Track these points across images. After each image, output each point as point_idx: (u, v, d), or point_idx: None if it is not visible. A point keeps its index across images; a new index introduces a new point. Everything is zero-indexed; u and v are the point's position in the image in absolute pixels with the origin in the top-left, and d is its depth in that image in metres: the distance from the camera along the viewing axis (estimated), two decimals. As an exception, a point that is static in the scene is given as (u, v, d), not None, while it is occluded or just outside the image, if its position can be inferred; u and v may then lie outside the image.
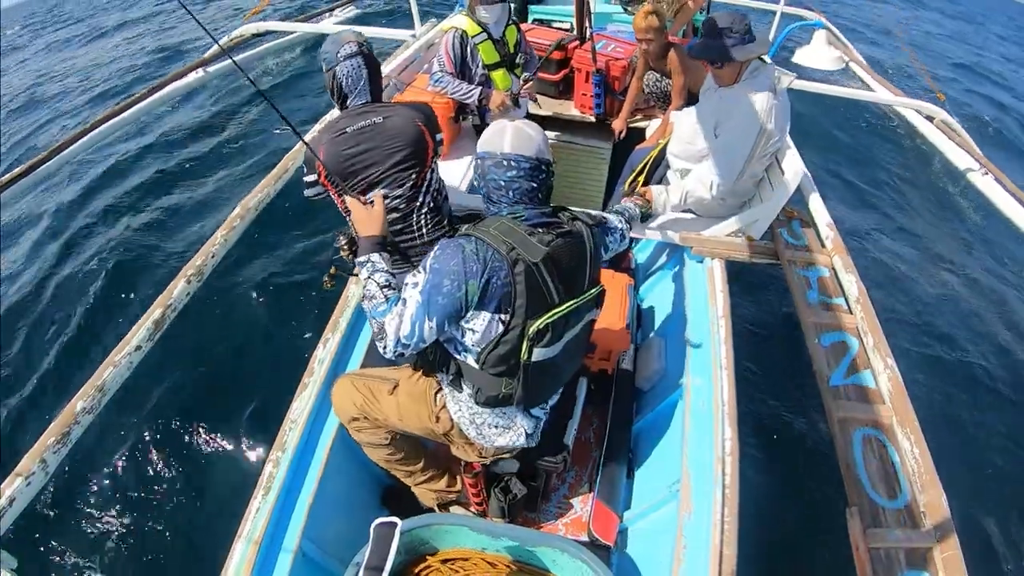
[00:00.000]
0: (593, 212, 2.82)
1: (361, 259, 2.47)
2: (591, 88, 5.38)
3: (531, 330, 2.18)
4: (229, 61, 8.20)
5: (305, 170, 3.22)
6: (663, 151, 4.37)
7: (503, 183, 2.31)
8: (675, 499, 2.78)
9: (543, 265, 2.15)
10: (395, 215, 3.15)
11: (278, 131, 8.75)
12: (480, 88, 4.61)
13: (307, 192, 3.28)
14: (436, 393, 2.64)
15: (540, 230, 2.23)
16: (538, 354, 2.26)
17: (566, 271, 2.27)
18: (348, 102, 3.17)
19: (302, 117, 9.10)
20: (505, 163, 2.29)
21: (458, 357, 2.40)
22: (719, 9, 8.42)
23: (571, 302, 2.27)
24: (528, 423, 2.60)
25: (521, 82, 4.85)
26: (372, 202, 2.63)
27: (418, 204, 3.18)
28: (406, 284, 2.23)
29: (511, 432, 2.58)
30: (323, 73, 3.17)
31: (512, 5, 5.07)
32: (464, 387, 2.47)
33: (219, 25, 13.42)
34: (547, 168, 2.37)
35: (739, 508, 2.57)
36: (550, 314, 2.20)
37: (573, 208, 2.52)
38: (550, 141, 5.34)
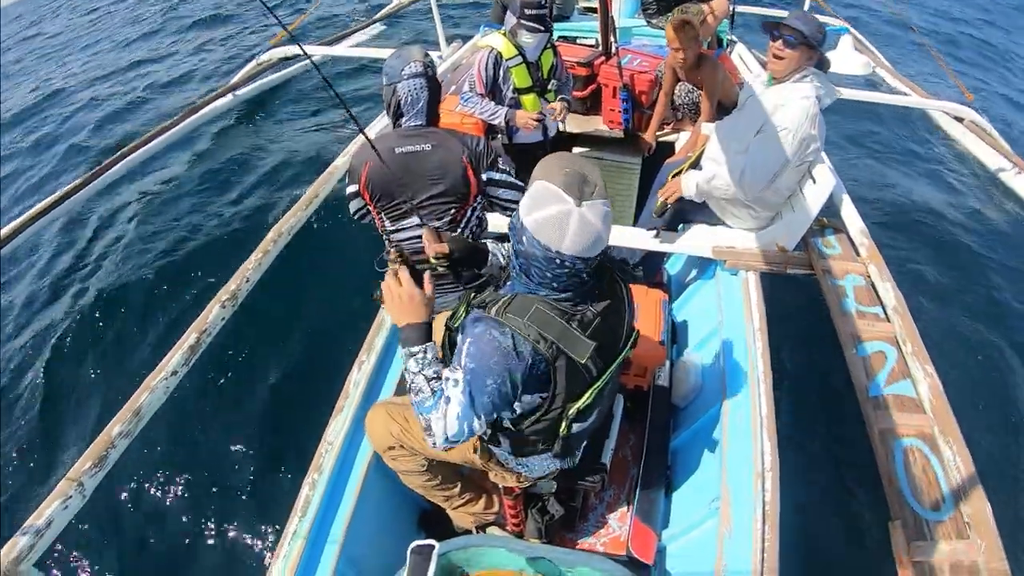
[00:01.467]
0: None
1: (411, 350, 2.15)
2: (619, 103, 5.38)
3: (571, 411, 2.10)
4: (257, 84, 8.34)
5: (347, 180, 3.22)
6: (695, 163, 4.34)
7: (549, 275, 1.94)
8: (715, 516, 2.75)
9: (589, 360, 1.99)
10: None
11: (313, 154, 8.80)
12: (507, 109, 4.60)
13: (351, 207, 3.29)
14: None
15: (579, 308, 2.01)
16: (577, 427, 2.21)
17: (608, 345, 2.12)
18: (402, 121, 3.16)
19: (327, 138, 9.18)
20: (559, 262, 1.88)
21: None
22: (742, 19, 8.41)
23: (610, 369, 2.17)
24: (568, 458, 2.55)
25: (554, 106, 4.82)
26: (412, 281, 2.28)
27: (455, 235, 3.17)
28: (446, 379, 2.05)
29: (548, 464, 2.54)
30: (383, 87, 3.14)
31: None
32: (501, 442, 2.41)
33: (240, 52, 13.55)
34: (603, 254, 1.98)
35: (780, 524, 2.54)
36: (590, 393, 2.10)
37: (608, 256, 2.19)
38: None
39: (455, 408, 2.00)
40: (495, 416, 2.09)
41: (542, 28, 4.46)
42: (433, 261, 2.50)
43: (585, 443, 2.64)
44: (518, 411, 2.14)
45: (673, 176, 4.29)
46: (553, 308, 1.97)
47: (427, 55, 3.16)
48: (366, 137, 2.69)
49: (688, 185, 3.97)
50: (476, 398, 1.97)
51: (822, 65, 3.73)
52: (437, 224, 3.12)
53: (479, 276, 2.84)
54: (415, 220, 3.15)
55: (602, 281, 2.13)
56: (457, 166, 3.08)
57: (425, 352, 2.15)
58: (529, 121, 4.57)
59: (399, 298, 2.21)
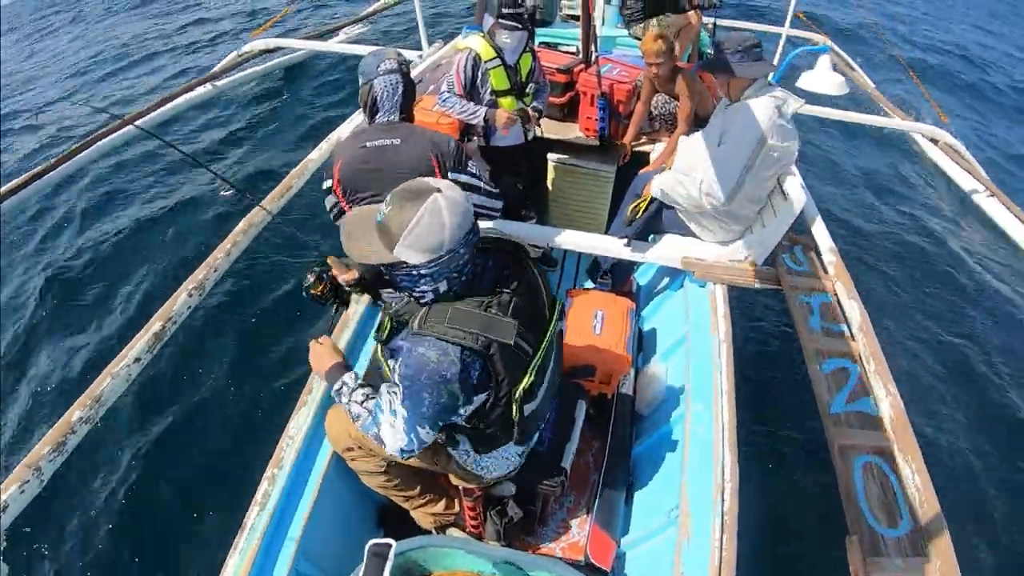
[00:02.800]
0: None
1: (335, 387, 2.34)
2: (596, 111, 5.38)
3: (517, 394, 2.13)
4: (236, 76, 8.31)
5: (324, 175, 3.25)
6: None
7: (456, 274, 2.00)
8: (674, 525, 2.77)
9: (518, 337, 2.04)
10: None
11: (285, 148, 8.78)
12: (485, 109, 4.60)
13: (327, 204, 3.31)
14: None
15: (495, 295, 2.07)
16: (528, 408, 2.24)
17: (531, 320, 2.17)
18: (376, 117, 3.21)
19: (303, 132, 9.15)
20: (453, 255, 1.92)
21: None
22: (725, 32, 8.48)
23: (543, 344, 2.22)
24: (521, 448, 2.58)
25: (531, 112, 4.83)
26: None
27: None
28: (391, 392, 2.12)
29: (508, 461, 2.56)
30: (360, 85, 3.21)
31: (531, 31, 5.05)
32: (459, 441, 2.44)
33: (228, 40, 13.49)
34: (474, 225, 1.99)
35: (738, 535, 2.55)
36: (530, 369, 2.15)
37: (487, 228, 2.36)
38: (553, 163, 5.38)
39: (400, 422, 2.08)
40: (440, 425, 2.13)
41: (519, 26, 4.45)
42: (347, 288, 2.68)
43: (544, 434, 2.65)
44: (466, 413, 2.16)
45: (641, 203, 4.34)
46: (467, 304, 2.02)
47: (400, 54, 3.22)
48: (264, 209, 2.77)
49: (655, 186, 4.02)
50: (416, 411, 2.03)
51: (761, 63, 3.79)
52: None
53: None
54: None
55: (504, 262, 2.19)
56: (423, 162, 3.10)
57: (345, 383, 2.34)
58: (508, 119, 4.57)
59: (317, 353, 2.48)
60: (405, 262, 1.93)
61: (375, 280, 2.70)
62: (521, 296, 2.12)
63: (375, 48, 3.26)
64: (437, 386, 1.96)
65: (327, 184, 3.21)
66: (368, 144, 3.10)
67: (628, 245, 4.18)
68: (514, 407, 2.17)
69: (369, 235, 1.98)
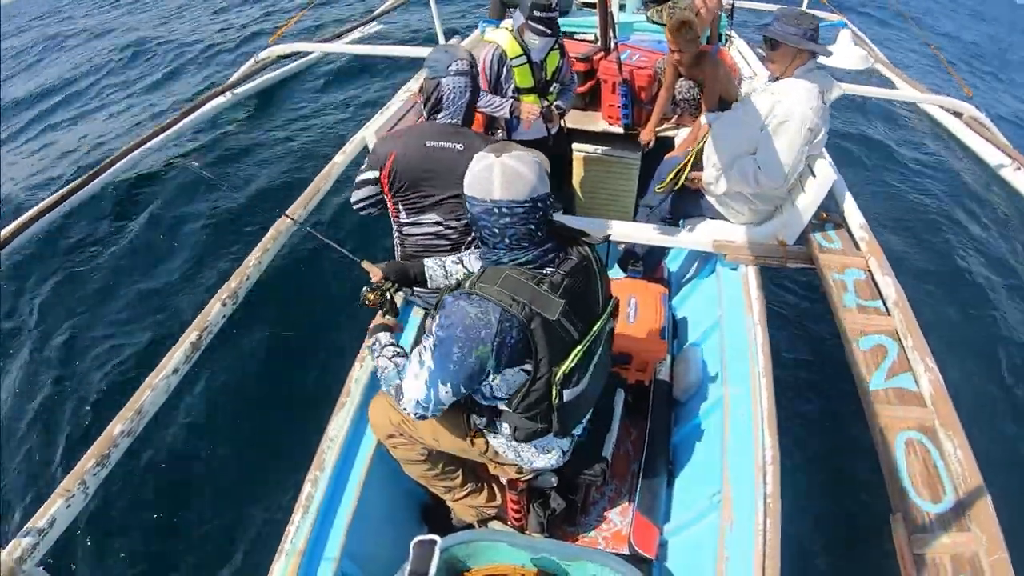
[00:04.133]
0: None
1: (369, 343, 2.49)
2: (618, 99, 5.37)
3: (557, 376, 2.13)
4: (255, 83, 8.34)
5: (366, 165, 3.25)
6: (697, 156, 4.33)
7: (497, 231, 2.07)
8: (716, 510, 2.75)
9: (562, 316, 2.06)
10: (445, 243, 3.19)
11: (312, 151, 8.79)
12: (511, 101, 4.58)
13: (356, 194, 3.32)
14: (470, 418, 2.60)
15: (548, 271, 2.11)
16: (568, 394, 2.23)
17: (581, 306, 2.20)
18: (439, 116, 3.20)
19: (325, 136, 9.17)
20: (496, 211, 2.03)
21: (486, 404, 2.37)
22: (742, 13, 8.41)
23: (591, 333, 2.22)
24: (565, 442, 2.58)
25: (554, 110, 4.81)
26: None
27: (469, 239, 3.23)
28: (419, 349, 2.17)
29: (550, 454, 2.55)
30: (425, 79, 3.20)
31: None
32: (500, 427, 2.43)
33: (243, 46, 13.54)
34: (544, 203, 2.09)
35: (781, 517, 2.54)
36: (574, 354, 2.14)
37: (564, 220, 2.44)
38: (578, 154, 5.36)
39: (424, 374, 2.11)
40: (463, 390, 2.14)
41: (549, 32, 4.43)
42: (384, 285, 2.73)
43: (584, 425, 2.65)
44: (504, 390, 2.20)
45: (676, 173, 4.30)
46: (522, 273, 2.07)
47: (471, 54, 3.21)
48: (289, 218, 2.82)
49: (708, 184, 3.99)
50: (442, 365, 2.06)
51: (816, 56, 3.72)
52: (454, 224, 3.20)
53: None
54: (432, 216, 3.21)
55: (564, 245, 2.23)
56: None
57: (378, 339, 2.47)
58: (531, 114, 4.55)
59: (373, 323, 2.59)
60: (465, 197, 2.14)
61: (400, 277, 2.75)
62: (575, 280, 2.15)
63: (447, 43, 3.26)
64: (469, 343, 2.00)
65: (373, 174, 3.20)
66: (429, 143, 3.09)
67: (657, 229, 4.17)
68: (553, 390, 2.17)
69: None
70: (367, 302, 2.67)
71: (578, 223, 3.89)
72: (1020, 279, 6.48)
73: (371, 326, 2.58)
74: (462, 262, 2.62)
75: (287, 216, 3.57)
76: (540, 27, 4.40)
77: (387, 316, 2.66)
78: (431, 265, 2.79)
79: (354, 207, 3.39)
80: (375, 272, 2.72)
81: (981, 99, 9.15)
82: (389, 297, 2.69)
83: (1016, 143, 7.56)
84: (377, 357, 2.36)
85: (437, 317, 2.10)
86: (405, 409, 2.18)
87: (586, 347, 2.18)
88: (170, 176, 8.31)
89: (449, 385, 2.08)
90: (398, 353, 2.35)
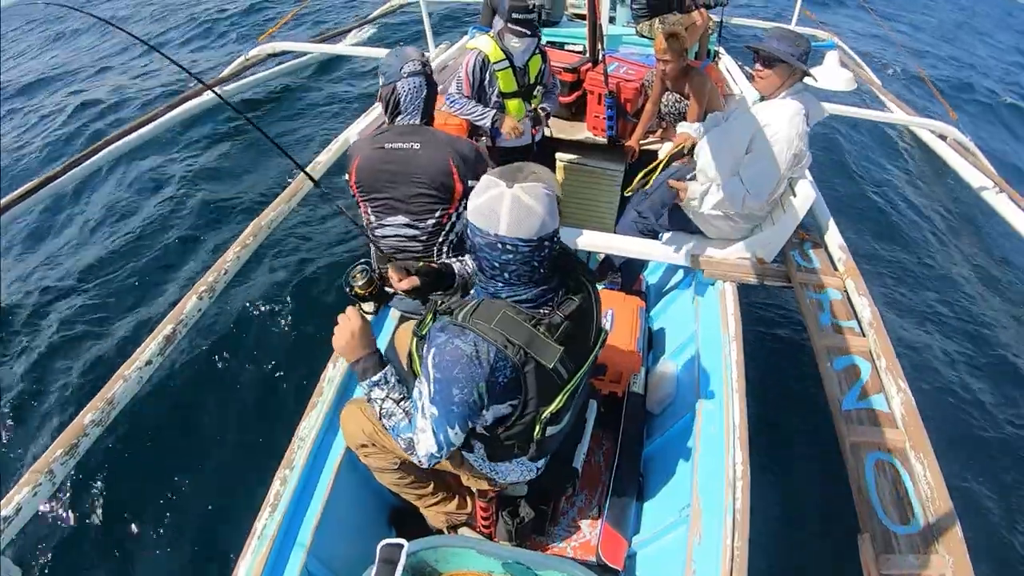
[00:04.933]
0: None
1: (374, 379, 2.24)
2: (603, 110, 5.38)
3: (544, 415, 2.10)
4: (244, 81, 8.33)
5: (346, 167, 3.27)
6: (673, 159, 4.36)
7: (497, 265, 1.94)
8: (685, 524, 2.76)
9: (558, 363, 1.98)
10: (417, 245, 3.19)
11: (297, 149, 8.79)
12: (494, 112, 4.60)
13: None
14: None
15: (545, 312, 2.02)
16: (551, 430, 2.21)
17: (576, 348, 2.12)
18: (398, 119, 3.20)
19: (314, 135, 9.17)
20: (500, 246, 1.89)
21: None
22: (731, 32, 8.46)
23: (580, 372, 2.17)
24: (540, 461, 2.58)
25: (540, 112, 4.82)
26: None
27: (440, 240, 3.23)
28: (418, 391, 2.08)
29: (523, 468, 2.54)
30: (380, 86, 3.19)
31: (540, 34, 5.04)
32: (475, 447, 2.41)
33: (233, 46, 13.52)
34: (551, 240, 1.96)
35: (749, 534, 2.55)
36: (561, 396, 2.10)
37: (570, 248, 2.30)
38: (562, 163, 5.38)
39: (429, 424, 2.04)
40: (468, 426, 2.09)
41: (528, 33, 4.43)
42: (402, 293, 2.62)
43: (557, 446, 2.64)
44: (489, 420, 2.14)
45: (649, 171, 4.32)
46: (519, 313, 1.97)
47: (424, 54, 3.21)
48: (304, 172, 2.71)
49: (692, 199, 3.96)
50: (446, 410, 1.99)
51: (804, 78, 3.74)
52: (422, 226, 3.17)
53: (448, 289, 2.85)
54: (401, 219, 3.20)
55: (566, 281, 2.13)
56: (442, 168, 3.10)
57: (386, 378, 2.25)
58: (514, 129, 4.57)
59: (349, 334, 2.27)
60: (467, 223, 1.97)
61: (432, 286, 2.68)
62: (574, 323, 2.06)
63: (396, 48, 3.26)
64: (468, 382, 1.93)
65: (346, 178, 3.24)
66: (387, 146, 3.11)
67: (636, 241, 4.18)
68: (537, 428, 2.15)
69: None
70: (357, 292, 2.58)
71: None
72: (1000, 301, 6.53)
73: (361, 351, 2.28)
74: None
75: (269, 211, 3.57)
76: (519, 28, 4.41)
77: (365, 307, 2.59)
78: (459, 269, 2.75)
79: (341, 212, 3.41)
80: (407, 280, 2.62)
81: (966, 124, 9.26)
82: (386, 299, 2.65)
83: (998, 168, 7.65)
84: (384, 398, 2.23)
85: (429, 357, 1.98)
86: (420, 462, 2.15)
87: (574, 387, 2.15)
88: (151, 172, 8.30)
89: (457, 426, 2.04)
90: (404, 396, 2.25)
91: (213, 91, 2.65)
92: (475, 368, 1.91)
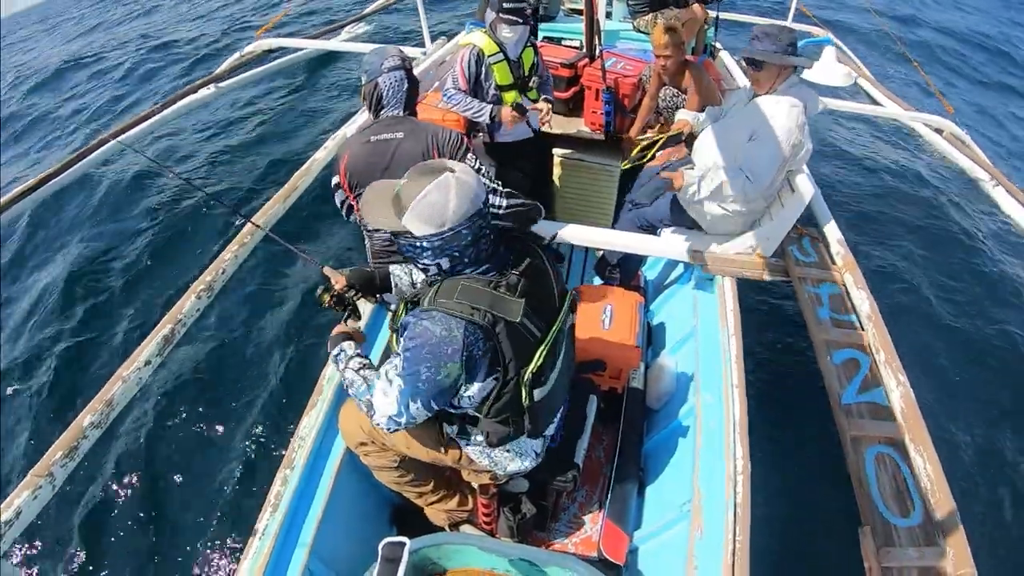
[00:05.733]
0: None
1: (334, 352, 2.45)
2: (601, 106, 5.37)
3: (526, 377, 2.15)
4: (241, 76, 8.31)
5: (333, 171, 3.30)
6: (664, 144, 4.37)
7: (457, 253, 2.07)
8: (686, 518, 2.76)
9: (524, 317, 2.07)
10: None
11: (291, 149, 8.79)
12: (491, 106, 4.60)
13: (336, 199, 3.37)
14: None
15: (504, 275, 2.13)
16: (538, 394, 2.24)
17: (540, 304, 2.22)
18: (381, 113, 3.25)
19: (309, 131, 9.15)
20: (453, 235, 2.02)
21: (457, 413, 2.36)
22: (726, 27, 8.45)
23: (553, 330, 2.24)
24: (538, 444, 2.58)
25: (540, 107, 4.82)
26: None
27: None
28: (389, 364, 2.20)
29: (523, 457, 2.55)
30: (362, 83, 3.26)
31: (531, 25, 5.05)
32: (472, 434, 2.44)
33: (230, 38, 13.50)
34: (486, 204, 2.10)
35: (750, 527, 2.55)
36: (539, 353, 2.16)
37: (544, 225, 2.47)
38: (559, 159, 5.37)
39: (393, 391, 2.14)
40: (434, 406, 2.16)
41: (520, 20, 4.43)
42: (347, 293, 2.69)
43: (556, 427, 2.66)
44: (477, 398, 2.20)
45: (647, 145, 4.33)
46: (478, 281, 2.09)
47: (402, 51, 3.27)
48: (255, 225, 2.80)
49: (688, 187, 3.93)
50: (411, 384, 2.09)
51: (799, 70, 3.74)
52: None
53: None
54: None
55: (514, 249, 2.27)
56: (423, 154, 3.13)
57: (343, 349, 2.44)
58: (514, 118, 4.56)
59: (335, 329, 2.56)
60: (410, 231, 2.04)
61: (365, 285, 2.72)
62: (530, 279, 2.15)
63: (377, 47, 3.28)
64: (437, 361, 2.02)
65: (335, 180, 3.26)
66: (373, 139, 3.14)
67: (635, 237, 4.18)
68: (523, 391, 2.18)
69: (384, 204, 2.11)
70: (323, 304, 2.66)
71: (557, 228, 3.91)
72: (998, 293, 6.53)
73: (333, 334, 2.55)
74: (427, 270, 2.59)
75: (252, 223, 3.55)
76: (511, 17, 4.42)
77: (349, 322, 2.66)
78: (397, 273, 2.76)
79: (341, 211, 3.45)
80: (338, 279, 2.70)
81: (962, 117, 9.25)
82: (351, 303, 2.68)
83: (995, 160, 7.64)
84: (343, 368, 2.37)
85: (403, 339, 2.10)
86: (378, 424, 2.20)
87: (550, 344, 2.20)
88: (145, 171, 8.29)
89: (419, 402, 2.11)
90: (364, 365, 2.36)
91: (118, 140, 2.69)
92: (445, 347, 1.99)
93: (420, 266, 2.18)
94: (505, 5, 4.38)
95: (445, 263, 2.11)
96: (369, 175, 3.10)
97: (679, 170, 3.94)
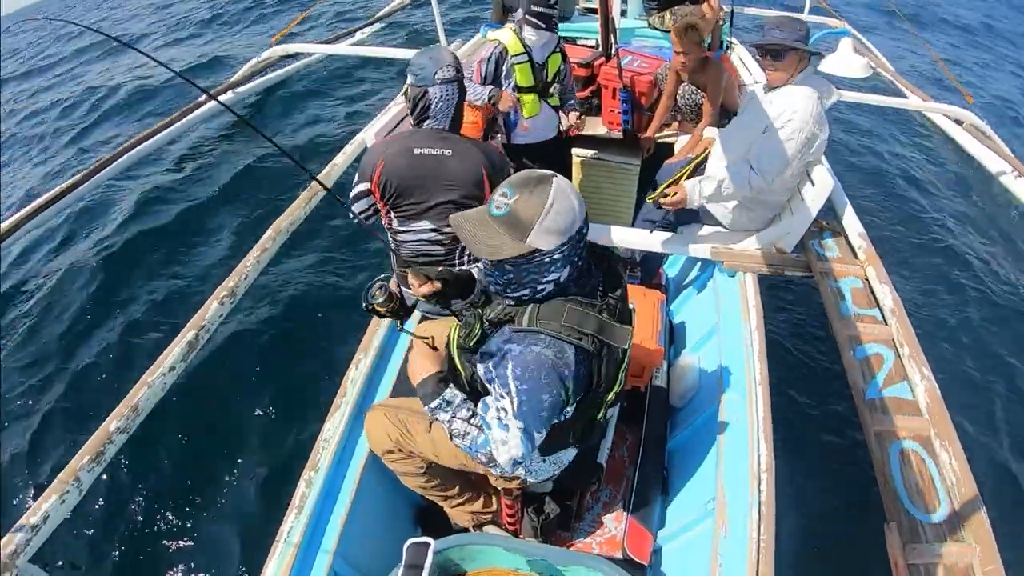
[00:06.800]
0: None
1: (434, 404, 2.19)
2: (618, 104, 5.37)
3: (610, 397, 2.15)
4: (259, 81, 8.34)
5: (356, 179, 3.22)
6: (699, 165, 4.32)
7: (577, 259, 2.00)
8: (710, 517, 2.75)
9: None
10: (439, 248, 3.18)
11: (313, 151, 8.81)
12: (491, 88, 4.60)
13: (354, 207, 3.27)
14: None
15: (604, 298, 2.04)
16: (611, 412, 2.23)
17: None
18: (425, 123, 3.17)
19: (325, 136, 9.18)
20: (580, 234, 1.96)
21: None
22: (741, 20, 8.42)
23: (627, 348, 2.21)
24: (574, 452, 2.55)
25: (570, 120, 4.82)
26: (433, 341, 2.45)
27: (463, 246, 3.21)
28: (498, 409, 1.99)
29: (557, 466, 2.53)
30: (408, 83, 3.16)
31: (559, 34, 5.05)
32: None
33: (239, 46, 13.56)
34: (586, 224, 1.99)
35: (775, 525, 2.54)
36: (621, 374, 2.16)
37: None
38: (578, 159, 5.37)
39: (515, 433, 1.96)
40: (553, 424, 2.08)
41: (543, 26, 4.45)
42: (424, 299, 2.50)
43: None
44: (570, 413, 2.15)
45: (673, 181, 4.28)
46: (581, 304, 1.98)
47: (457, 58, 3.16)
48: (318, 181, 2.60)
49: (692, 195, 3.91)
50: (534, 418, 1.95)
51: (813, 60, 3.73)
52: (448, 230, 3.15)
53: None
54: (425, 224, 3.20)
55: (602, 265, 2.16)
56: (474, 174, 3.10)
57: (445, 400, 2.18)
58: (512, 101, 4.56)
59: (413, 362, 2.33)
60: (539, 249, 1.90)
61: (455, 290, 2.57)
62: (623, 302, 2.13)
63: (430, 48, 3.21)
64: (556, 385, 1.93)
65: (364, 186, 3.19)
66: (417, 151, 3.09)
67: (652, 232, 4.17)
68: (602, 409, 2.20)
69: (491, 232, 1.93)
70: (377, 310, 2.48)
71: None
72: (1020, 287, 6.48)
73: (421, 373, 2.28)
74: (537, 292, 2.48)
75: (287, 214, 3.55)
76: (535, 20, 4.44)
77: (440, 350, 2.50)
78: (478, 276, 2.64)
79: (355, 221, 3.38)
80: (428, 285, 2.47)
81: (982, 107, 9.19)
82: (409, 309, 2.60)
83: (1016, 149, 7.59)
84: (450, 419, 2.16)
85: (508, 370, 1.95)
86: (504, 472, 2.12)
87: (627, 365, 2.21)
88: (171, 175, 8.33)
89: (544, 430, 2.02)
90: (473, 413, 2.16)
91: (217, 100, 2.63)
92: (561, 370, 1.92)
93: (540, 287, 2.01)
94: (533, 8, 4.40)
95: (566, 273, 1.99)
96: (408, 187, 3.10)
97: (681, 184, 3.91)
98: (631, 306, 2.41)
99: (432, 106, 3.10)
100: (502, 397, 1.99)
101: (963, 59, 13.36)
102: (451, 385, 2.23)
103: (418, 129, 3.20)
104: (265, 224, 4.02)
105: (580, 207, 1.92)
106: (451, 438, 2.19)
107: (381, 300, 2.46)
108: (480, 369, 2.13)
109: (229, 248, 6.73)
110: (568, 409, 2.09)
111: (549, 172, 1.93)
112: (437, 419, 2.21)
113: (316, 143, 8.99)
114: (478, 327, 2.19)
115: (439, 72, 3.05)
